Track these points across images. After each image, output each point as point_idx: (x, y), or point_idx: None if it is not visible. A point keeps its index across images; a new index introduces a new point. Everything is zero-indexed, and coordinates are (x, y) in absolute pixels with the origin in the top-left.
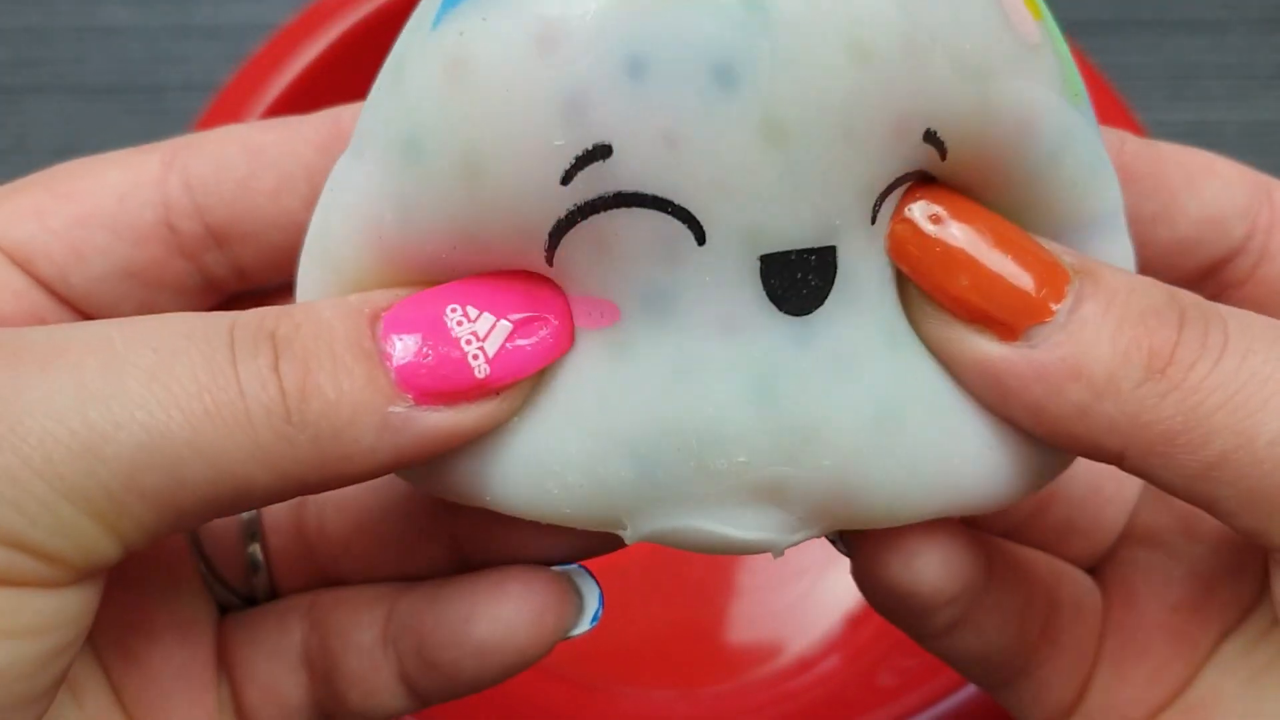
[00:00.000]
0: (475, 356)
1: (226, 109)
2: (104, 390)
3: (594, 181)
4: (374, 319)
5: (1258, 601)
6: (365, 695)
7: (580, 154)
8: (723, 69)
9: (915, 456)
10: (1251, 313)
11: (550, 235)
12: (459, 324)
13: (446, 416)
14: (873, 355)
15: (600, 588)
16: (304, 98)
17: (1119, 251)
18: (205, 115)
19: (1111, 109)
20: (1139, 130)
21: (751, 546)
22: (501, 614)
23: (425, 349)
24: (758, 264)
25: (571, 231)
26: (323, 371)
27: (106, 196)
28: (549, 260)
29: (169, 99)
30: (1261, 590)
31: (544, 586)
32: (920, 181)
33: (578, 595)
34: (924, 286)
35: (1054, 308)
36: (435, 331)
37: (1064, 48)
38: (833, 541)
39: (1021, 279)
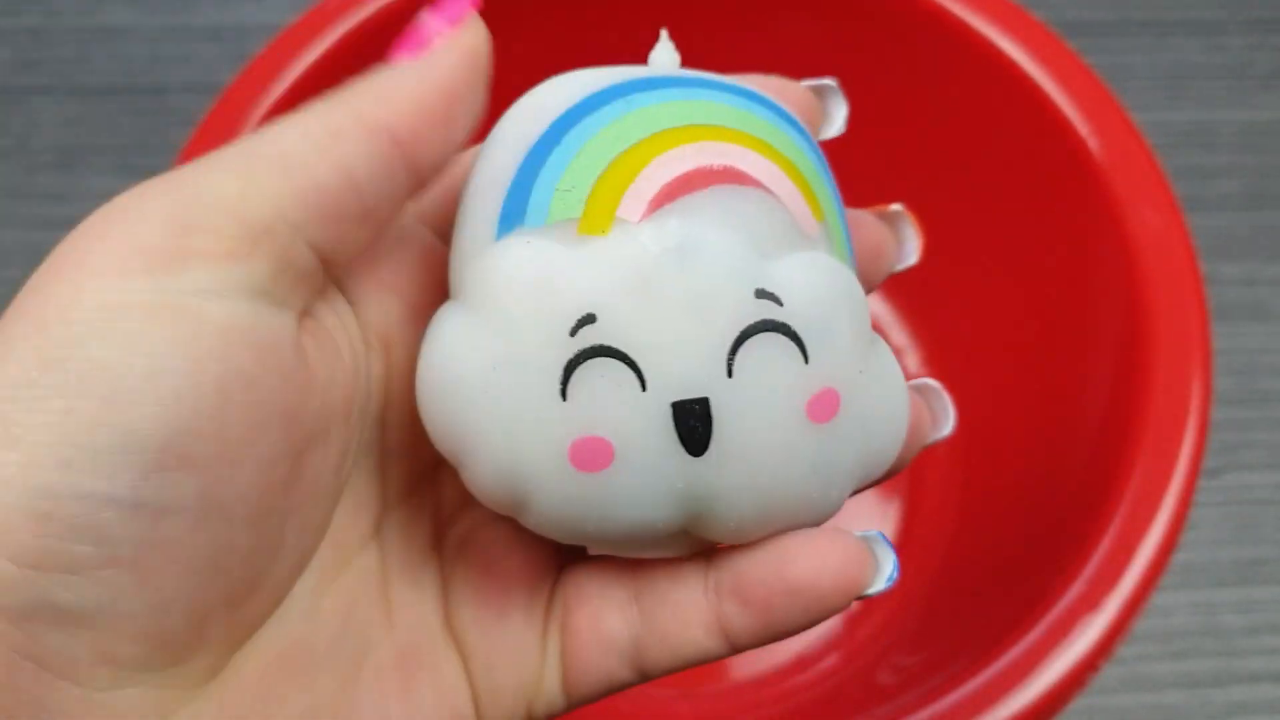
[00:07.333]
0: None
1: (230, 110)
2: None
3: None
4: None
5: None
6: (682, 632)
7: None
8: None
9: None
10: None
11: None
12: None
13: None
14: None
15: (896, 555)
16: (307, 100)
17: (880, 350)
18: (209, 116)
19: (1110, 111)
20: (1138, 132)
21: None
22: (813, 560)
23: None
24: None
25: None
26: None
27: None
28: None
29: (171, 99)
30: None
31: (848, 544)
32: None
33: (875, 558)
34: None
35: None
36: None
37: (839, 233)
38: None
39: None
